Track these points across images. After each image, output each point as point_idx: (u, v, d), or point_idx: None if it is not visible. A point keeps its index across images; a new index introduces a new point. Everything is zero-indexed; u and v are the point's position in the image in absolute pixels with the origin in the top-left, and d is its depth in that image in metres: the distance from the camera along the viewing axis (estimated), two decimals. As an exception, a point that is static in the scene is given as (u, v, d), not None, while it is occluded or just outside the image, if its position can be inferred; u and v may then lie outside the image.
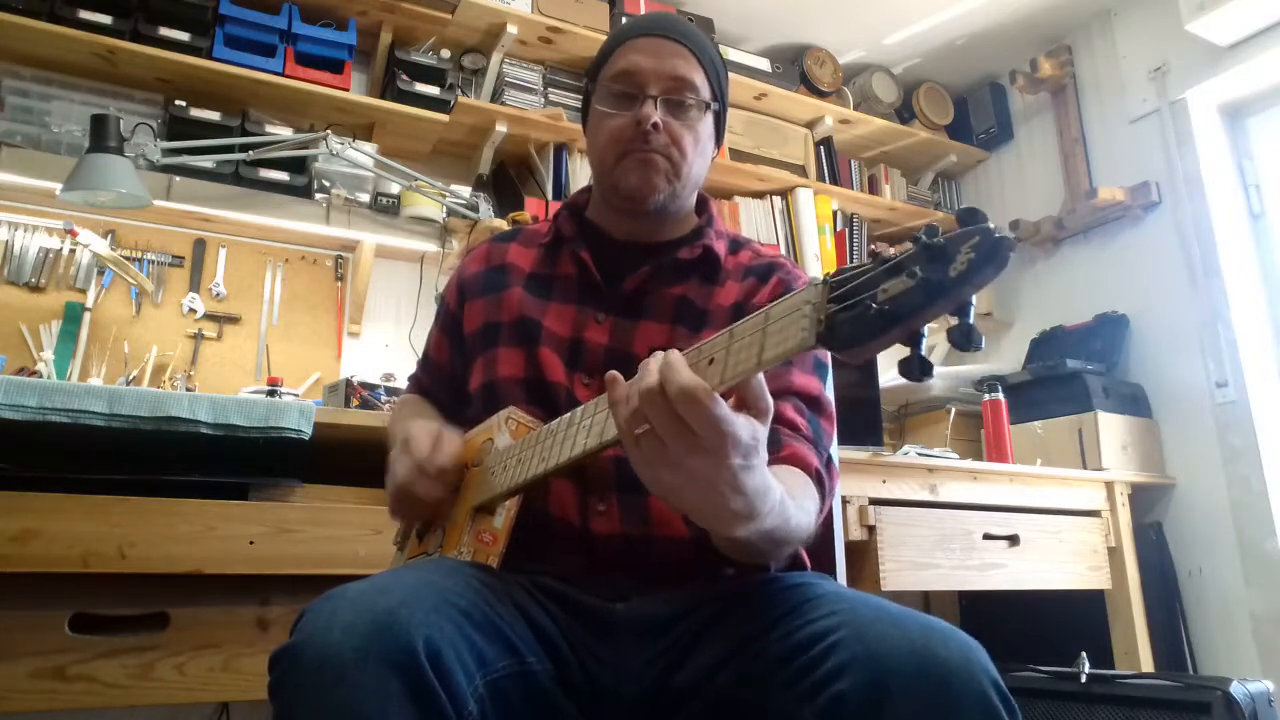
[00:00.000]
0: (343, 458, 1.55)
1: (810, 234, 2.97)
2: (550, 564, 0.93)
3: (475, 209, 2.43)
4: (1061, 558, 2.27)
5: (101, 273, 2.18)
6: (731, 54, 2.97)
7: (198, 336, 2.27)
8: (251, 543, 1.40)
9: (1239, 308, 2.61)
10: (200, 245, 2.33)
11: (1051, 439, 2.58)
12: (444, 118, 2.48)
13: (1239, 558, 2.48)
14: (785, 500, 0.73)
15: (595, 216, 1.13)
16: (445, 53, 2.60)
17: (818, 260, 2.95)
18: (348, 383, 1.94)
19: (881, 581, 1.91)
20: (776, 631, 0.76)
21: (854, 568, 1.93)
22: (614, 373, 0.70)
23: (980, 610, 2.64)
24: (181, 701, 1.36)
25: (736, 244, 1.12)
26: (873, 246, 3.16)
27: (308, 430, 1.49)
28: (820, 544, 1.05)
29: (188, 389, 2.16)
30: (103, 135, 1.91)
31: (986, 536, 2.13)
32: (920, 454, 2.18)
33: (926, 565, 2.01)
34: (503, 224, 2.43)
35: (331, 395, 1.99)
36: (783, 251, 2.94)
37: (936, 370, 2.85)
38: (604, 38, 1.15)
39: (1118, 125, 2.96)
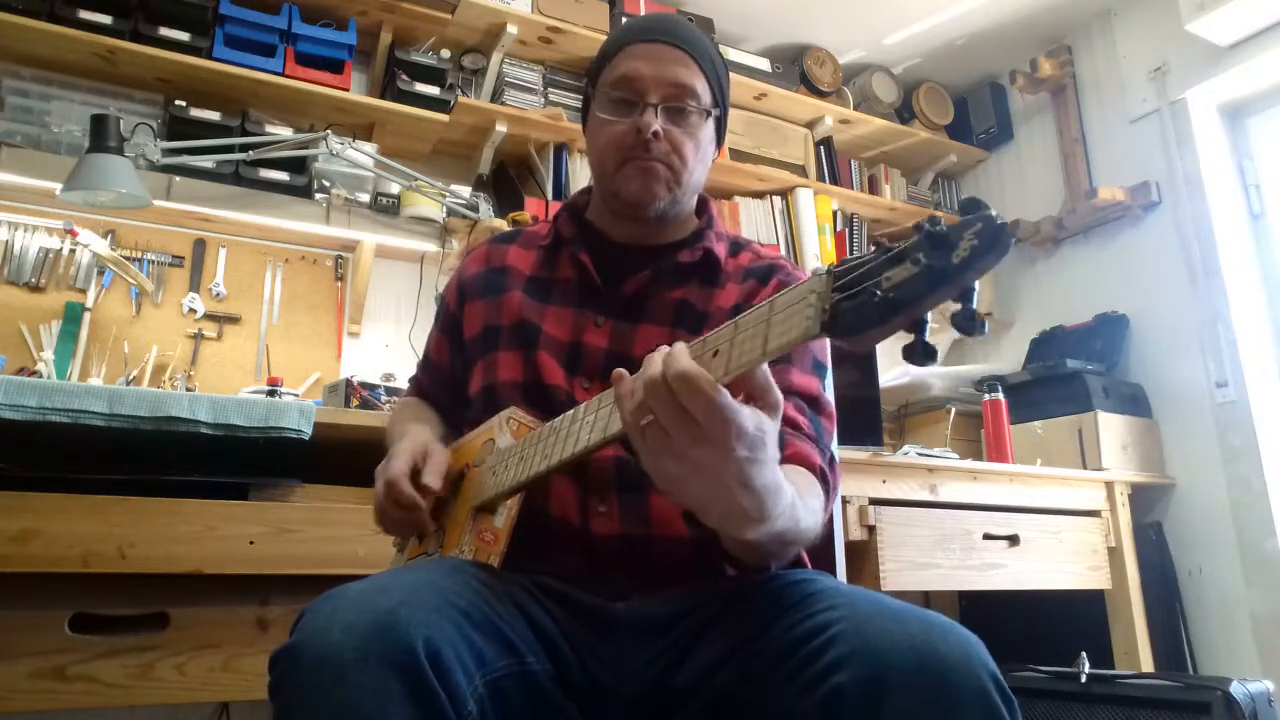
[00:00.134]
0: (343, 458, 1.55)
1: (810, 234, 2.97)
2: (550, 564, 0.93)
3: (475, 209, 2.43)
4: (1061, 558, 2.27)
5: (101, 273, 2.18)
6: (731, 54, 2.97)
7: (198, 336, 2.27)
8: (251, 543, 1.40)
9: (1239, 308, 2.61)
10: (200, 245, 2.33)
11: (1051, 439, 2.58)
12: (444, 118, 2.48)
13: (1239, 558, 2.48)
14: (796, 502, 0.73)
15: (595, 218, 1.13)
16: (445, 53, 2.60)
17: (818, 260, 2.95)
18: (348, 383, 1.94)
19: (881, 581, 1.91)
20: (776, 627, 0.76)
21: (854, 568, 1.93)
22: (620, 369, 0.70)
23: (980, 610, 2.64)
24: (181, 701, 1.36)
25: (737, 246, 1.12)
26: (876, 237, 3.17)
27: (308, 430, 1.49)
28: (820, 544, 1.05)
29: (188, 389, 2.16)
30: (103, 135, 1.91)
31: (986, 536, 2.13)
32: (920, 454, 2.18)
33: (926, 565, 2.01)
34: (503, 224, 2.43)
35: (331, 395, 1.99)
36: (783, 252, 2.94)
37: (937, 371, 2.85)
38: (604, 38, 1.15)
39: (1118, 125, 2.96)
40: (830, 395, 1.03)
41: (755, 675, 0.76)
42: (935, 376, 2.81)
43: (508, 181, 2.67)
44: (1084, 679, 1.92)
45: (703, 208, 1.14)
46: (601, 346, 1.02)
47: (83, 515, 1.30)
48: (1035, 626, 2.41)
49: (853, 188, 3.21)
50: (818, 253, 2.96)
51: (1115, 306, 2.85)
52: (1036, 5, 2.97)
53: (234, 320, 2.33)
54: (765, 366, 0.66)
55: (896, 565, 1.95)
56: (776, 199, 3.01)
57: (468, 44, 2.68)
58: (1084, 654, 1.95)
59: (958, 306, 0.55)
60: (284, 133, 2.30)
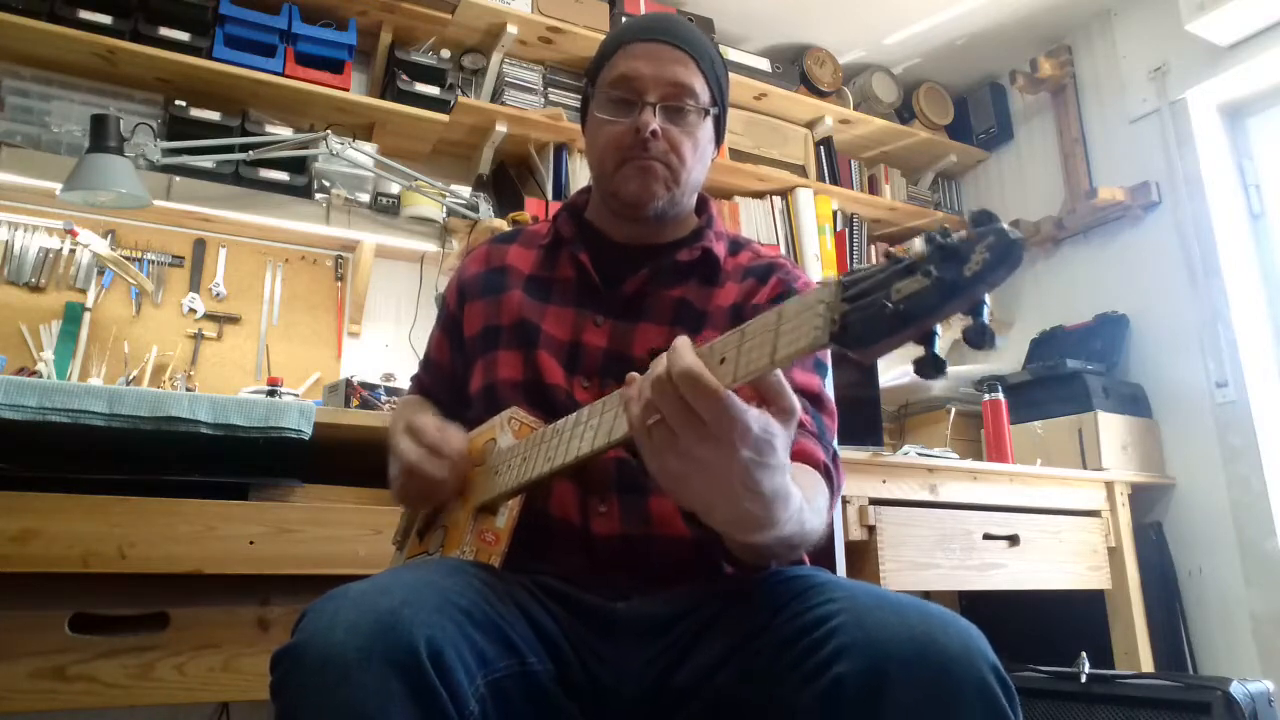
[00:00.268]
0: (343, 458, 1.55)
1: (810, 234, 2.97)
2: (551, 564, 0.93)
3: (475, 209, 2.43)
4: (1061, 558, 2.27)
5: (101, 273, 2.18)
6: (731, 54, 2.97)
7: (198, 336, 2.27)
8: (251, 543, 1.40)
9: (1239, 308, 2.61)
10: (200, 245, 2.33)
11: (1051, 439, 2.58)
12: (444, 118, 2.48)
13: (1239, 558, 2.48)
14: (804, 507, 0.73)
15: (594, 218, 1.13)
16: (445, 53, 2.60)
17: (818, 260, 2.96)
18: (348, 383, 1.94)
19: (881, 581, 1.91)
20: (776, 622, 0.77)
21: (854, 567, 1.93)
22: (633, 374, 0.70)
23: (980, 610, 2.64)
24: (181, 701, 1.36)
25: (736, 245, 1.12)
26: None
27: (308, 430, 1.49)
28: (821, 543, 1.05)
29: (188, 389, 2.16)
30: (103, 135, 1.91)
31: (986, 536, 2.13)
32: (920, 454, 2.18)
33: (926, 565, 2.01)
34: (503, 224, 2.43)
35: (331, 395, 1.99)
36: (783, 251, 2.94)
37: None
38: (604, 38, 1.14)
39: (1118, 125, 2.96)
40: (831, 393, 1.04)
41: (756, 674, 0.76)
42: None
43: (508, 181, 2.67)
44: (1084, 679, 1.92)
45: (702, 207, 1.14)
46: (600, 346, 1.02)
47: (83, 515, 1.30)
48: (1035, 626, 2.41)
49: (853, 188, 3.21)
50: (818, 253, 2.96)
51: (1115, 306, 2.85)
52: (1036, 5, 2.97)
53: (234, 320, 2.33)
54: (778, 371, 0.65)
55: (896, 565, 1.95)
56: (776, 199, 3.01)
57: (468, 44, 2.68)
58: (1084, 654, 1.95)
59: (969, 320, 0.54)
60: (284, 133, 2.30)
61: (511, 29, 2.55)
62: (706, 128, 1.07)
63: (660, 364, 0.65)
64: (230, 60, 2.26)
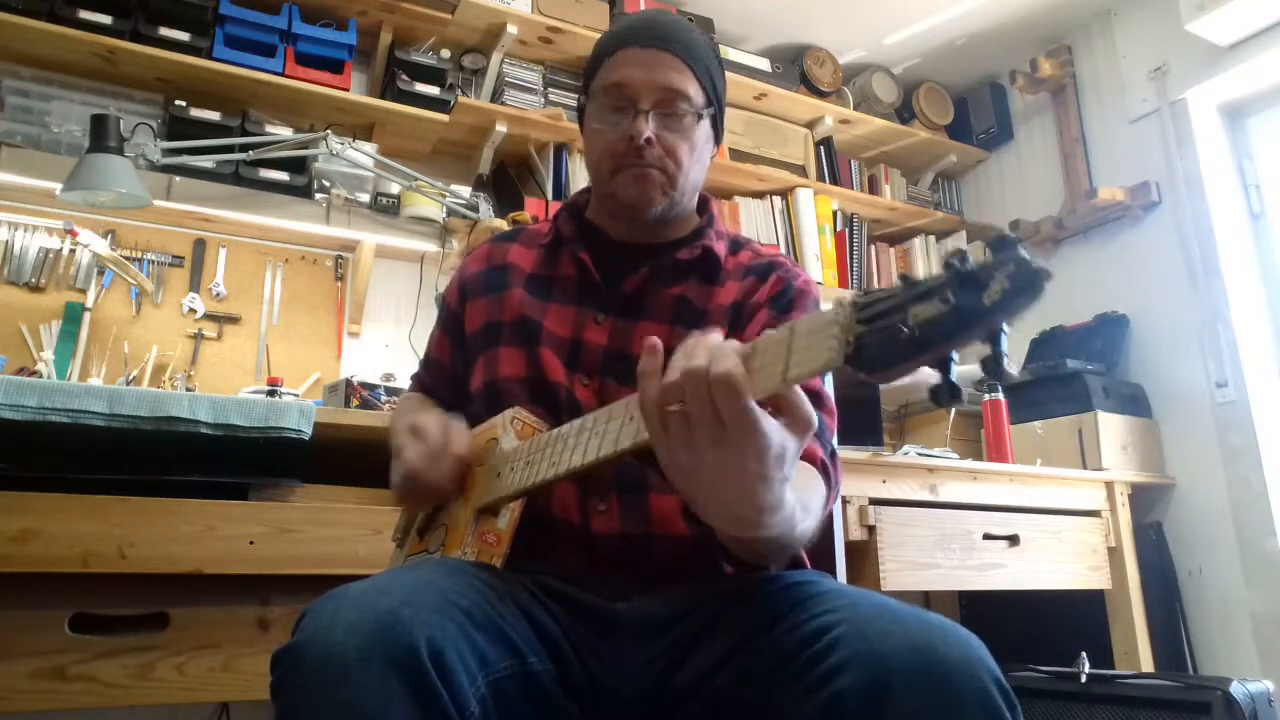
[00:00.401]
0: (343, 458, 1.55)
1: (810, 234, 2.97)
2: (552, 564, 0.93)
3: (475, 209, 2.43)
4: (1061, 558, 2.27)
5: (101, 273, 2.18)
6: (731, 54, 2.97)
7: (198, 336, 2.27)
8: (251, 543, 1.40)
9: (1239, 308, 2.61)
10: (200, 245, 2.33)
11: (1051, 439, 2.58)
12: (444, 118, 2.48)
13: (1239, 558, 2.48)
14: (795, 512, 0.73)
15: (595, 217, 1.13)
16: (445, 53, 2.60)
17: (818, 260, 2.96)
18: (348, 383, 1.94)
19: (881, 581, 1.91)
20: (777, 629, 0.76)
21: (854, 568, 1.93)
22: (653, 339, 0.68)
23: (980, 610, 2.64)
24: (181, 701, 1.36)
25: (737, 244, 1.12)
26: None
27: (308, 430, 1.49)
28: (820, 544, 1.05)
29: (188, 389, 2.16)
30: (103, 135, 1.91)
31: (986, 536, 2.13)
32: (920, 454, 2.18)
33: (926, 565, 2.01)
34: (503, 224, 2.43)
35: (331, 395, 1.99)
36: (783, 251, 2.94)
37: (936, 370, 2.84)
38: (597, 40, 1.14)
39: (1118, 125, 2.96)
40: (831, 393, 1.04)
41: (755, 676, 0.76)
42: (935, 376, 2.80)
43: (508, 181, 2.67)
44: (1084, 679, 1.92)
45: (704, 206, 1.14)
46: (601, 343, 1.02)
47: (83, 515, 1.30)
48: (1035, 626, 2.41)
49: (853, 188, 3.21)
50: (817, 253, 2.96)
51: (1115, 306, 2.85)
52: (1036, 5, 2.97)
53: (234, 320, 2.33)
54: (797, 386, 0.65)
55: (896, 565, 1.95)
56: (776, 199, 3.01)
57: (468, 44, 2.68)
58: (1084, 654, 1.95)
59: (987, 350, 0.54)
60: (284, 133, 2.30)
61: (511, 29, 2.56)
62: (703, 129, 1.07)
63: (698, 356, 0.64)
64: (230, 60, 2.26)
